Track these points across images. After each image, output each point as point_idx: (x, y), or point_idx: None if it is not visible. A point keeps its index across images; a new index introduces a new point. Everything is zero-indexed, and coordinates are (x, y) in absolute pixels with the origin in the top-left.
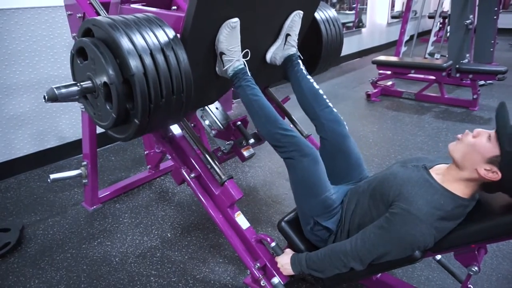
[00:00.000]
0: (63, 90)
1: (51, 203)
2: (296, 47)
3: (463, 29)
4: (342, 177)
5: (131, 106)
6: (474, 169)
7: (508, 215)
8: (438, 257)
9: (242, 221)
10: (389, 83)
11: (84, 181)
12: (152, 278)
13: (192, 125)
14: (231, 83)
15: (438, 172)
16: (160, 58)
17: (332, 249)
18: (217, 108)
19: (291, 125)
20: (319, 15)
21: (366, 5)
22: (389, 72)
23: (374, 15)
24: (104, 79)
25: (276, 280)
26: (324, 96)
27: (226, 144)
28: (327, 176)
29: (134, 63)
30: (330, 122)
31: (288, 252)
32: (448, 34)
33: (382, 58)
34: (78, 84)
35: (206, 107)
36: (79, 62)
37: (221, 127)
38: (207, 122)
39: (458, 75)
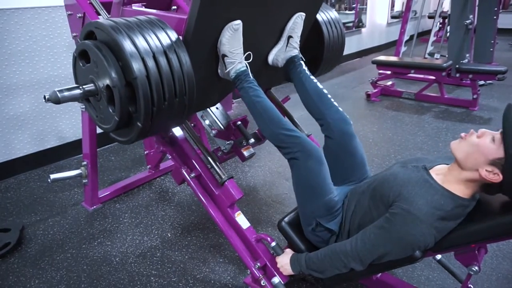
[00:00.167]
0: (66, 93)
1: (51, 203)
2: (298, 49)
3: (463, 29)
4: (345, 177)
5: (134, 109)
6: (476, 170)
7: (508, 215)
8: (438, 257)
9: (242, 220)
10: (389, 83)
11: (84, 181)
12: (152, 278)
13: (192, 125)
14: (233, 85)
15: (438, 173)
16: (162, 60)
17: (332, 250)
18: (217, 108)
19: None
20: (320, 16)
21: (366, 5)
22: (389, 72)
23: (374, 15)
24: (107, 82)
25: (276, 280)
26: (329, 96)
27: (226, 144)
28: (330, 175)
29: (136, 66)
30: (337, 121)
31: (288, 252)
32: (448, 34)
33: (382, 58)
34: (81, 87)
35: None
36: (81, 64)
37: (221, 127)
38: (207, 122)
39: (458, 75)
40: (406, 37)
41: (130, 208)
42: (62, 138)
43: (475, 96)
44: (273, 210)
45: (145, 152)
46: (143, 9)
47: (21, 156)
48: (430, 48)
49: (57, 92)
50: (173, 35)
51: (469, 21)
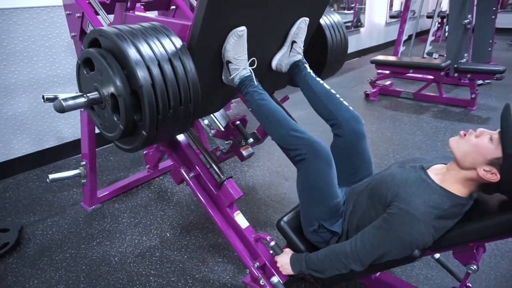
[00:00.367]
0: (70, 102)
1: (50, 203)
2: (302, 53)
3: (462, 29)
4: (350, 177)
5: (139, 117)
6: (474, 169)
7: (506, 214)
8: (437, 255)
9: (241, 220)
10: (388, 82)
11: (83, 181)
12: (151, 278)
13: None
14: (238, 91)
15: (436, 172)
16: (167, 68)
17: (332, 251)
18: None
19: None
20: (323, 20)
21: (365, 4)
22: (387, 72)
23: (373, 14)
24: (112, 90)
25: (275, 279)
26: (337, 95)
27: (225, 143)
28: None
29: (142, 74)
30: (349, 120)
31: (288, 252)
32: (446, 33)
33: (380, 57)
34: (85, 95)
35: None
36: (85, 72)
37: (220, 126)
38: (206, 121)
39: (456, 74)
40: (404, 37)
41: (129, 208)
42: (61, 138)
43: (473, 96)
44: (272, 210)
45: (144, 152)
46: (146, 14)
47: (19, 156)
48: (428, 47)
49: (62, 101)
50: (178, 42)
51: (468, 20)
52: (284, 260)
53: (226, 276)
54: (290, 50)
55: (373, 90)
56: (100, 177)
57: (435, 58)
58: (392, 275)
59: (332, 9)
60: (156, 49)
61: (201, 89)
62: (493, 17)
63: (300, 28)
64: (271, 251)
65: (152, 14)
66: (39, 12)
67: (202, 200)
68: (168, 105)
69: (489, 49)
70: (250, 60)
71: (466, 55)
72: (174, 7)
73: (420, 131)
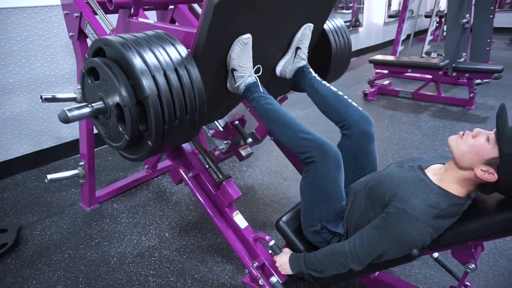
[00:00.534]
0: (75, 113)
1: (48, 203)
2: (306, 60)
3: (460, 28)
4: (353, 178)
5: (144, 127)
6: (471, 169)
7: (504, 213)
8: (436, 255)
9: (240, 220)
10: (386, 82)
11: (81, 181)
12: (150, 278)
13: None
14: (243, 97)
15: (435, 172)
16: (173, 77)
17: (331, 251)
18: None
19: None
20: (327, 25)
21: (363, 4)
22: (386, 71)
23: (371, 14)
24: (117, 100)
25: (274, 279)
26: (345, 96)
27: (224, 143)
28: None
29: (147, 84)
30: (359, 121)
31: (287, 252)
32: (444, 33)
33: (379, 57)
34: (90, 105)
35: None
36: (90, 81)
37: (219, 126)
38: None
39: (454, 74)
40: (403, 36)
41: (127, 208)
42: (59, 138)
43: (471, 95)
44: (271, 210)
45: None
46: (150, 21)
47: (17, 156)
48: (427, 47)
49: (66, 112)
50: (183, 50)
51: (466, 20)
52: (283, 260)
53: (225, 276)
54: (295, 57)
55: (372, 90)
56: (98, 177)
57: (434, 58)
58: (391, 274)
59: None
60: (162, 58)
61: (206, 97)
62: (491, 16)
63: (305, 35)
64: (270, 251)
65: (152, 13)
66: (37, 11)
67: (201, 200)
68: (174, 115)
69: (487, 48)
70: (256, 67)
71: (464, 54)
72: (172, 6)
73: (419, 130)
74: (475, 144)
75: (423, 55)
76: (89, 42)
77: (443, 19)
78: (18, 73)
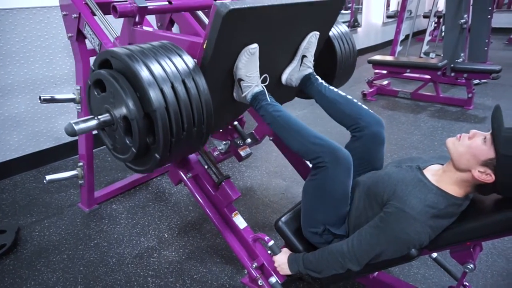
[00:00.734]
0: (82, 126)
1: (47, 204)
2: (312, 68)
3: (458, 29)
4: (358, 176)
5: (152, 140)
6: (469, 171)
7: (502, 212)
8: (434, 255)
9: (239, 220)
10: (385, 82)
11: (80, 182)
12: (149, 279)
13: None
14: (249, 106)
15: (433, 173)
16: (181, 89)
17: (329, 251)
18: None
19: None
20: (332, 31)
21: (362, 4)
22: (384, 72)
23: (370, 14)
24: (124, 112)
25: (273, 279)
26: (355, 100)
27: (223, 144)
28: None
29: (155, 97)
30: (372, 124)
31: (285, 252)
32: (443, 33)
33: (377, 57)
34: (96, 117)
35: None
36: (96, 93)
37: None
38: None
39: (453, 74)
40: (401, 37)
41: (126, 208)
42: (58, 139)
43: (470, 95)
44: (270, 210)
45: None
46: (155, 30)
47: (16, 157)
48: (425, 47)
49: (73, 125)
50: (190, 61)
51: (464, 20)
52: (282, 260)
53: (224, 276)
54: (301, 65)
55: (371, 90)
56: (97, 178)
57: (432, 58)
58: (390, 274)
59: None
60: (169, 70)
61: (213, 108)
62: (489, 16)
63: (311, 43)
64: (269, 251)
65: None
66: (36, 12)
67: (200, 200)
68: (181, 128)
69: (485, 48)
70: (263, 77)
71: (462, 54)
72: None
73: (418, 130)
74: (471, 145)
75: (422, 55)
76: (87, 43)
77: (441, 20)
78: (17, 74)
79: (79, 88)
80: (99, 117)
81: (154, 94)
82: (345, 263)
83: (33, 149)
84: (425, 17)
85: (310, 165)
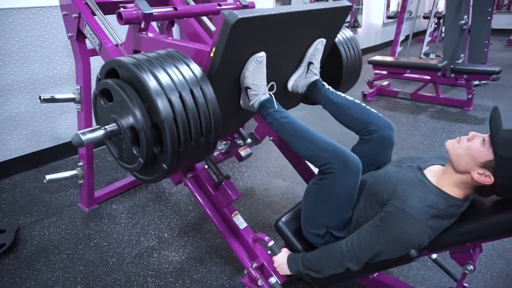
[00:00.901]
0: (89, 136)
1: (47, 204)
2: (319, 74)
3: (458, 30)
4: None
5: (159, 149)
6: (468, 173)
7: (502, 214)
8: (434, 256)
9: (239, 221)
10: (385, 83)
11: (80, 181)
12: (149, 279)
13: None
14: (255, 113)
15: (433, 174)
16: (188, 99)
17: (329, 250)
18: None
19: None
20: (337, 37)
21: (362, 5)
22: (384, 72)
23: (370, 15)
24: (131, 122)
25: (273, 280)
26: (363, 104)
27: (223, 144)
28: None
29: (163, 108)
30: (383, 128)
31: (285, 252)
32: (443, 34)
33: (377, 58)
34: (103, 127)
35: None
36: (102, 103)
37: None
38: None
39: (453, 75)
40: (401, 37)
41: (126, 208)
42: (58, 139)
43: (469, 96)
44: (270, 210)
45: None
46: (160, 36)
47: (16, 156)
48: (425, 48)
49: (80, 135)
50: (197, 70)
51: (464, 21)
52: (281, 260)
53: (224, 276)
54: (307, 72)
55: (371, 91)
56: (97, 177)
57: (432, 59)
58: (390, 275)
59: None
60: (176, 79)
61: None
62: (489, 18)
63: (317, 50)
64: (269, 252)
65: None
66: (35, 12)
67: (200, 200)
68: (189, 138)
69: (485, 49)
70: (270, 85)
71: (462, 55)
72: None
73: (418, 131)
74: (470, 147)
75: (422, 56)
76: (87, 42)
77: (441, 21)
78: (17, 74)
79: (79, 87)
80: (106, 127)
81: (162, 105)
82: (344, 262)
83: (33, 148)
84: (425, 18)
85: (316, 169)
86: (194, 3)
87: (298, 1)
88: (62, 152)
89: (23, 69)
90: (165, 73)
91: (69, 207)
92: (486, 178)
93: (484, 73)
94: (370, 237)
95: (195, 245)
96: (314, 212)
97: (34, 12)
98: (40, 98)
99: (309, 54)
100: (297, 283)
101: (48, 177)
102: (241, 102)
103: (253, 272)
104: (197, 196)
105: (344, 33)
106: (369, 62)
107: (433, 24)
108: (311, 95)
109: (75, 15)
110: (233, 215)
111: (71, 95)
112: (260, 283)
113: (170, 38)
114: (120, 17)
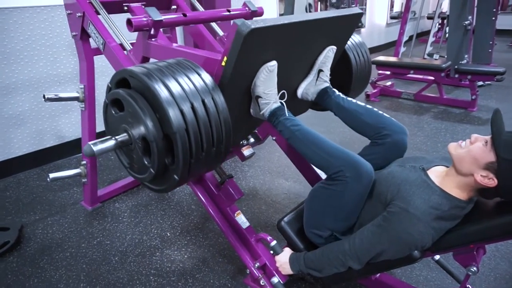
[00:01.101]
0: (100, 146)
1: (50, 202)
2: (329, 81)
3: (462, 30)
4: None
5: (170, 160)
6: (471, 175)
7: (506, 216)
8: (437, 257)
9: (241, 220)
10: (388, 83)
11: (83, 180)
12: (151, 277)
13: None
14: (268, 122)
15: (437, 175)
16: (200, 110)
17: (330, 249)
18: None
19: None
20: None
21: (366, 5)
22: (388, 73)
23: (373, 15)
24: (142, 133)
25: (275, 279)
26: (375, 109)
27: None
28: None
29: (175, 118)
30: (397, 132)
31: (287, 251)
32: (447, 34)
33: (381, 58)
34: (114, 138)
35: None
36: (113, 112)
37: None
38: None
39: (456, 75)
40: (405, 38)
41: (129, 207)
42: (61, 137)
43: (473, 97)
44: (273, 210)
45: None
46: (170, 44)
47: (20, 155)
48: (429, 48)
49: (92, 146)
50: (208, 79)
51: (468, 22)
52: (283, 259)
53: (226, 276)
54: (317, 79)
55: (374, 91)
56: (100, 176)
57: (436, 59)
58: (392, 276)
59: (333, 8)
60: (188, 89)
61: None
62: (493, 18)
63: (328, 57)
64: (271, 252)
65: None
66: (39, 11)
67: (203, 200)
68: (201, 148)
69: (490, 50)
70: (281, 93)
71: (466, 56)
72: (175, 6)
73: (421, 132)
74: (472, 149)
75: (425, 56)
76: (91, 41)
77: (445, 21)
78: (21, 73)
79: (83, 86)
80: (116, 137)
81: (174, 115)
82: (346, 260)
83: (37, 147)
84: (429, 18)
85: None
86: (200, 6)
87: (301, 3)
88: (65, 151)
89: (27, 68)
90: (176, 83)
91: (73, 206)
92: (490, 181)
93: (488, 73)
94: (372, 237)
95: (198, 244)
96: (320, 214)
97: (38, 11)
98: (44, 96)
99: (319, 62)
100: (299, 283)
101: (51, 175)
102: (251, 110)
103: (255, 272)
104: (200, 195)
105: (354, 39)
106: (373, 63)
107: (437, 24)
108: (321, 102)
109: (79, 14)
110: (235, 215)
111: (75, 94)
112: (263, 282)
113: (179, 45)
114: (130, 24)
